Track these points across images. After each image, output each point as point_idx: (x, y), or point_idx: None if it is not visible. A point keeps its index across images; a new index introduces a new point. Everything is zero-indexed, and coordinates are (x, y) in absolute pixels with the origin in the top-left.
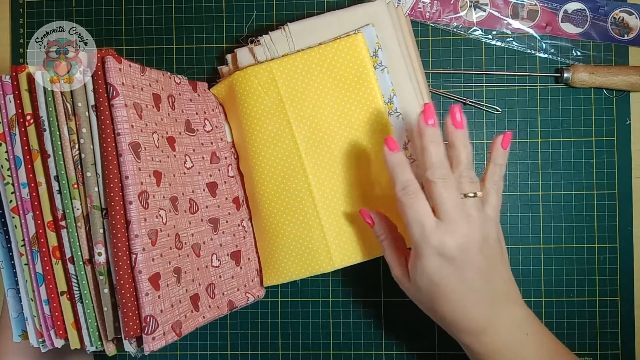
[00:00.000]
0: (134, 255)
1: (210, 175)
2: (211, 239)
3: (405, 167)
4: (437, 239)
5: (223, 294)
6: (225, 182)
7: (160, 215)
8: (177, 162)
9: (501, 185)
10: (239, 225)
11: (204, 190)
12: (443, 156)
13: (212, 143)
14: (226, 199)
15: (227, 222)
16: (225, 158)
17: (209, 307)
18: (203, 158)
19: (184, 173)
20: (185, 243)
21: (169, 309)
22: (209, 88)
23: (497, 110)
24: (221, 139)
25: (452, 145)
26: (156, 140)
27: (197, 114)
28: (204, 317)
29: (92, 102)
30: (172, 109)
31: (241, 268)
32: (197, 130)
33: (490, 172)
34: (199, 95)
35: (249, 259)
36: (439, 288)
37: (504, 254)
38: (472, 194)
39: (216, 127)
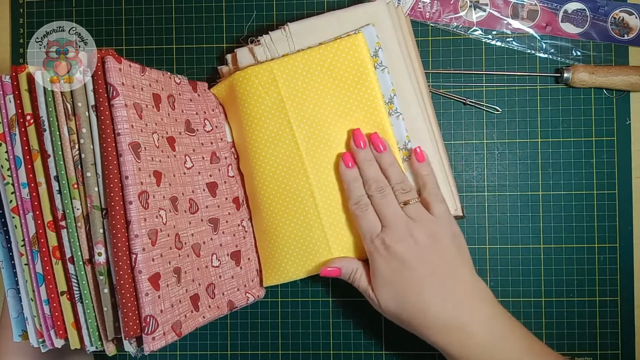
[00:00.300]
0: (134, 255)
1: (210, 175)
2: (211, 239)
3: (359, 183)
4: (383, 243)
5: (223, 294)
6: (225, 182)
7: (160, 215)
8: (177, 162)
9: (438, 192)
10: (239, 225)
11: (204, 190)
12: (376, 173)
13: (212, 143)
14: (226, 199)
15: (227, 222)
16: (225, 158)
17: (209, 307)
18: (203, 158)
19: (184, 173)
20: (185, 243)
21: (169, 309)
22: (209, 88)
23: (497, 110)
24: (221, 139)
25: (381, 166)
26: (156, 140)
27: (197, 114)
28: (203, 317)
29: (92, 102)
30: (172, 109)
31: (241, 268)
32: (197, 130)
33: (422, 184)
34: (199, 95)
35: (249, 259)
36: (397, 287)
37: (463, 254)
38: (412, 201)
39: (216, 127)
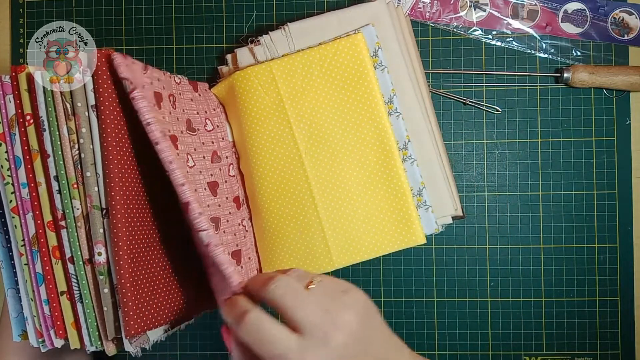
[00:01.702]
0: (204, 232)
1: (211, 175)
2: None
3: (237, 298)
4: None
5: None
6: (225, 181)
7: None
8: (181, 160)
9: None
10: (239, 224)
11: (205, 189)
12: (262, 278)
13: (213, 142)
14: (227, 198)
15: (227, 221)
16: (226, 157)
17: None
18: (204, 157)
19: (187, 172)
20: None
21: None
22: (209, 88)
23: (497, 110)
24: (222, 139)
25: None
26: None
27: (197, 113)
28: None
29: (92, 102)
30: (173, 108)
31: (242, 267)
32: (198, 129)
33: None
34: (199, 94)
35: (249, 258)
36: None
37: (370, 313)
38: (314, 283)
39: (217, 126)
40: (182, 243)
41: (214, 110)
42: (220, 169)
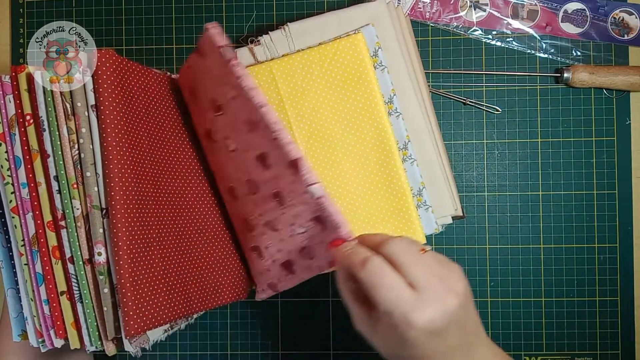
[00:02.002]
0: (315, 185)
1: (256, 147)
2: (283, 213)
3: (358, 247)
4: (423, 315)
5: (323, 252)
6: (273, 148)
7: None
8: (221, 151)
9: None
10: (305, 193)
11: (256, 166)
12: (378, 235)
13: (243, 110)
14: (281, 166)
15: (292, 191)
16: (262, 119)
17: (308, 268)
18: (242, 132)
19: (231, 158)
20: (257, 224)
21: (259, 274)
22: None
23: (497, 110)
24: (247, 99)
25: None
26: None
27: (216, 85)
28: (301, 277)
29: (91, 102)
30: (196, 100)
31: (326, 229)
32: (224, 104)
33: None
34: (224, 66)
35: (335, 225)
36: (420, 355)
37: (469, 292)
38: (426, 249)
39: (238, 94)
40: (190, 239)
41: (224, 67)
42: (262, 136)
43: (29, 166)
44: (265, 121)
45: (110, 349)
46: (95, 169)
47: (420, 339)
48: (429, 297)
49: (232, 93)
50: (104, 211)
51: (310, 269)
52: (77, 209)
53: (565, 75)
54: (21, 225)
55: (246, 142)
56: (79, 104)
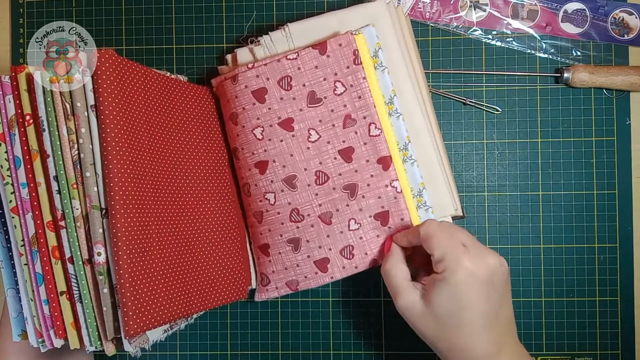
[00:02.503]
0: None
1: (344, 142)
2: (347, 205)
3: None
4: (472, 262)
5: (366, 253)
6: (365, 143)
7: (266, 198)
8: (297, 140)
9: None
10: (387, 186)
11: (335, 158)
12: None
13: (345, 106)
14: (367, 161)
15: (368, 185)
16: (364, 118)
17: (343, 267)
18: (333, 125)
19: (308, 148)
20: (309, 215)
21: (283, 270)
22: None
23: (497, 110)
24: (359, 97)
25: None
26: (259, 134)
27: (325, 79)
28: (332, 277)
29: (91, 102)
30: (287, 90)
31: (389, 227)
32: (325, 97)
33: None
34: (328, 56)
35: (402, 219)
36: (465, 312)
37: (509, 284)
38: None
39: (351, 85)
40: (190, 239)
41: (348, 68)
42: (356, 132)
43: (28, 166)
44: (372, 120)
45: (110, 349)
46: (95, 169)
47: (465, 281)
48: (476, 252)
49: (342, 89)
50: (104, 211)
51: (344, 269)
52: (77, 209)
53: (565, 75)
54: (21, 226)
55: (334, 135)
56: (78, 104)
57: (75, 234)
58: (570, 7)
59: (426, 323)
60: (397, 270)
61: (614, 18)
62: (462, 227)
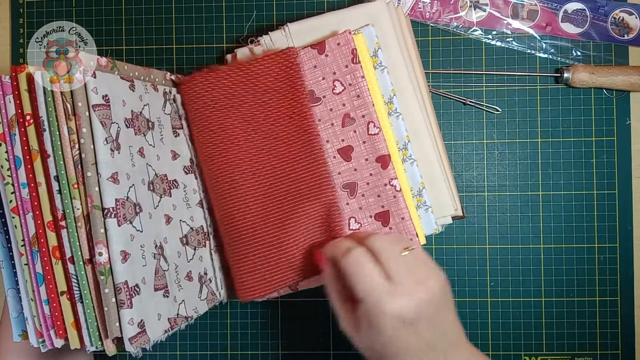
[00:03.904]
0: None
1: (343, 140)
2: (347, 203)
3: (344, 239)
4: (396, 304)
5: None
6: (364, 142)
7: None
8: None
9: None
10: (386, 185)
11: (334, 157)
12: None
13: (344, 105)
14: (366, 160)
15: (368, 184)
16: (363, 117)
17: None
18: (332, 125)
19: None
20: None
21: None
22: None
23: (497, 110)
24: (357, 96)
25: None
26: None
27: (323, 78)
28: None
29: (92, 101)
30: None
31: (390, 228)
32: (324, 97)
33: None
34: (326, 55)
35: (402, 218)
36: (394, 349)
37: (448, 294)
38: (409, 249)
39: (350, 84)
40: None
41: (346, 67)
42: (355, 131)
43: (29, 166)
44: (370, 118)
45: (111, 349)
46: (97, 169)
47: (391, 327)
48: (401, 289)
49: (340, 88)
50: (105, 211)
51: None
52: (78, 209)
53: (565, 75)
54: (21, 226)
55: (333, 134)
56: (79, 104)
57: (76, 234)
58: (570, 7)
59: (363, 349)
60: (331, 290)
61: (614, 18)
62: (414, 245)
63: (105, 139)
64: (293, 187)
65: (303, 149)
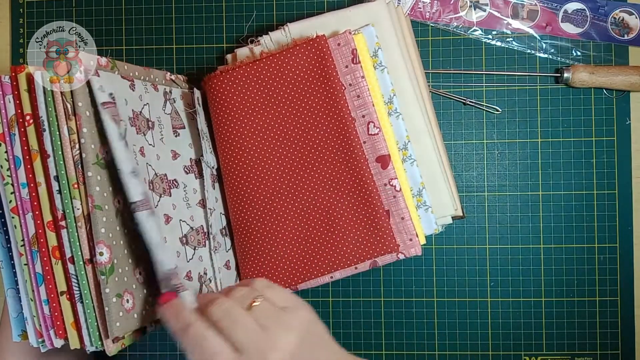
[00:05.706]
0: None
1: None
2: None
3: (181, 309)
4: None
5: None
6: (364, 142)
7: None
8: None
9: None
10: (385, 185)
11: None
12: (208, 298)
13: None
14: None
15: None
16: (363, 116)
17: (356, 268)
18: None
19: None
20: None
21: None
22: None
23: (497, 110)
24: (357, 96)
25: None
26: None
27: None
28: (332, 277)
29: (100, 99)
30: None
31: (392, 227)
32: None
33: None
34: (345, 65)
35: (402, 218)
36: None
37: (316, 328)
38: (257, 301)
39: (350, 84)
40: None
41: (346, 67)
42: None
43: (28, 166)
44: (370, 118)
45: (111, 349)
46: (98, 169)
47: None
48: (255, 357)
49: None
50: (105, 211)
51: (344, 269)
52: (78, 209)
53: (565, 75)
54: (21, 226)
55: None
56: (80, 104)
57: (76, 234)
58: (570, 7)
59: None
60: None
61: (614, 18)
62: (260, 298)
63: (119, 134)
64: (329, 195)
65: (340, 151)
